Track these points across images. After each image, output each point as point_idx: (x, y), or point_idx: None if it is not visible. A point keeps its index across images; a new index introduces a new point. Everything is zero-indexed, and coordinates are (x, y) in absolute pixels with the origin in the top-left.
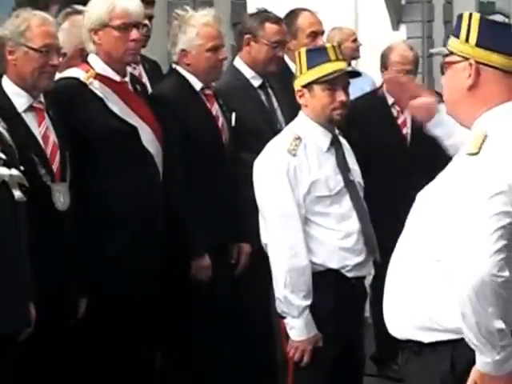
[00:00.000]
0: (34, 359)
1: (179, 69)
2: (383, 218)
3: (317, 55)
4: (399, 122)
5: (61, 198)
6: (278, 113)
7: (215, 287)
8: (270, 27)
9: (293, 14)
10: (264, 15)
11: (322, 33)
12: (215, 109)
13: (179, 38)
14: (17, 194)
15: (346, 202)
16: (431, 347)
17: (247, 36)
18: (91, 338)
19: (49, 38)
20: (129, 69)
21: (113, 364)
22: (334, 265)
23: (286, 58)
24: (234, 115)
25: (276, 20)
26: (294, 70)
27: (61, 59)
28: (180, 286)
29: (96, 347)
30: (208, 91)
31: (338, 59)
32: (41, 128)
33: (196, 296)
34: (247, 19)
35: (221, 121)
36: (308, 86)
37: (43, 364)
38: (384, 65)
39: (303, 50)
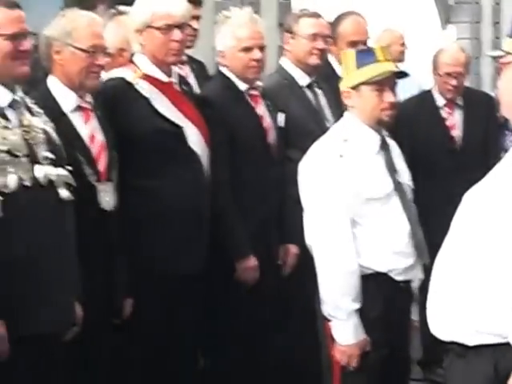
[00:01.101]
0: (80, 359)
1: (224, 70)
2: (432, 221)
3: (365, 56)
4: (449, 124)
5: (106, 197)
6: (327, 112)
7: (261, 289)
8: (304, 21)
9: (337, 19)
10: (301, 12)
11: (364, 42)
12: (261, 109)
13: (217, 40)
14: (64, 193)
15: (395, 204)
16: (475, 350)
17: (286, 34)
18: (135, 338)
19: (96, 39)
20: (176, 69)
21: (156, 364)
22: (382, 268)
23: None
24: (282, 115)
25: (311, 14)
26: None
27: (107, 59)
28: (225, 287)
29: (140, 348)
30: (253, 92)
31: (386, 60)
32: (87, 128)
33: (241, 297)
34: (287, 19)
35: (267, 121)
36: (356, 87)
37: (88, 364)
38: (435, 66)
39: (350, 51)
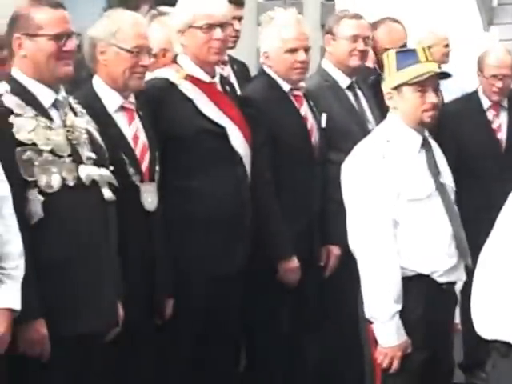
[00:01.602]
0: (121, 358)
1: (268, 70)
2: (474, 222)
3: (406, 57)
4: (494, 126)
5: (149, 197)
6: (368, 113)
7: (303, 290)
8: (345, 22)
9: (373, 25)
10: (342, 13)
11: (402, 46)
12: (304, 110)
13: (262, 40)
14: (106, 193)
15: (437, 205)
16: None
17: (327, 36)
18: (175, 338)
19: (140, 39)
20: (218, 70)
21: (197, 364)
22: (424, 269)
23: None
24: (324, 116)
25: (353, 16)
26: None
27: (151, 60)
28: (266, 287)
29: (181, 347)
30: (297, 92)
31: (427, 60)
32: (131, 128)
33: (283, 298)
34: (328, 20)
35: (310, 122)
36: (397, 87)
37: (129, 364)
38: (480, 68)
39: (392, 52)
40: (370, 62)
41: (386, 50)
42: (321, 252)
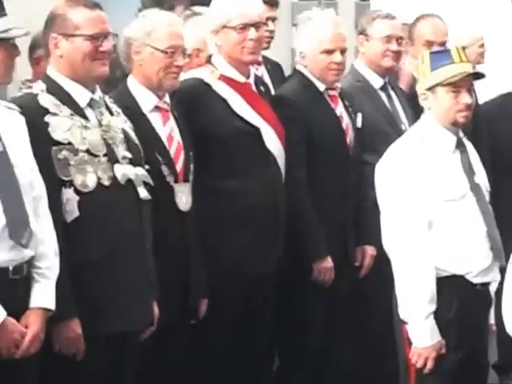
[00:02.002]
0: (156, 358)
1: (303, 70)
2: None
3: (440, 57)
4: None
5: (183, 198)
6: (401, 114)
7: (337, 289)
8: (378, 22)
9: (415, 20)
10: (375, 14)
11: (442, 43)
12: (340, 109)
13: (298, 40)
14: (142, 192)
15: (472, 205)
16: None
17: (360, 36)
18: (210, 338)
19: (175, 39)
20: (253, 70)
21: (231, 364)
22: (458, 270)
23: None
24: (360, 116)
25: (385, 16)
26: None
27: (186, 60)
28: (301, 286)
29: (215, 348)
30: (332, 92)
31: (461, 61)
32: (165, 128)
33: (317, 297)
34: (361, 20)
35: (345, 121)
36: (432, 88)
37: (164, 363)
38: None
39: (426, 53)
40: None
41: (429, 42)
42: (356, 252)
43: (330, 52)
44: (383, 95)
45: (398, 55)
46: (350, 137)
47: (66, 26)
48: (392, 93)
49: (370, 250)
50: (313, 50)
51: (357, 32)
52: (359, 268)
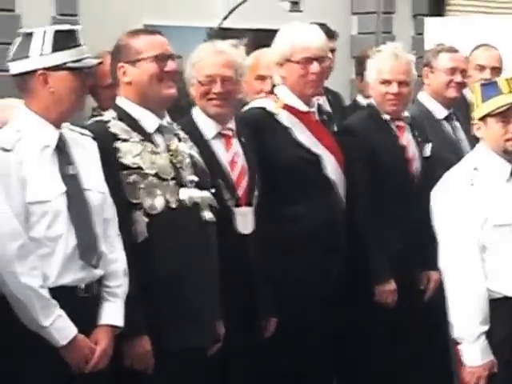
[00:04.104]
0: (222, 373)
1: (371, 101)
2: None
3: (490, 89)
4: None
5: (244, 221)
6: (465, 143)
7: (400, 312)
8: (443, 55)
9: (472, 50)
10: (440, 47)
11: (494, 69)
12: (406, 139)
13: (367, 73)
14: (208, 215)
15: None
16: None
17: (425, 68)
18: (275, 357)
19: (212, 69)
20: (315, 99)
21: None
22: (510, 292)
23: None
24: (429, 146)
25: (450, 49)
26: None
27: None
28: (362, 310)
29: (277, 365)
30: (399, 122)
31: (511, 91)
32: (229, 154)
33: (379, 320)
34: (426, 53)
35: (411, 150)
36: (483, 118)
37: (230, 379)
38: None
39: (477, 85)
40: None
41: (480, 66)
42: (421, 277)
43: (387, 82)
44: (447, 125)
45: (461, 86)
46: (415, 166)
47: (130, 54)
48: (456, 123)
49: (435, 276)
50: (373, 80)
51: (422, 64)
52: (424, 292)
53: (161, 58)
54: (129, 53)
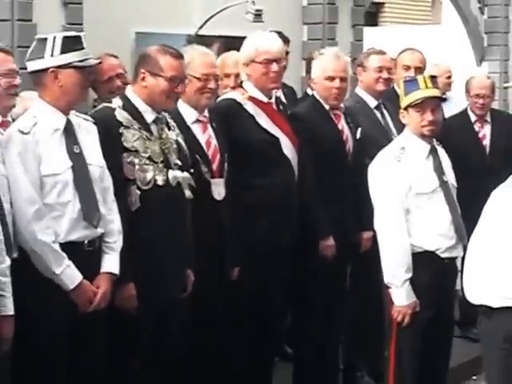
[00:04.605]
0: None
1: (314, 93)
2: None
3: (410, 85)
4: (480, 135)
5: (218, 190)
6: (392, 128)
7: (339, 263)
8: (373, 57)
9: (399, 53)
10: (370, 50)
11: (418, 68)
12: (341, 124)
13: (312, 70)
14: (187, 193)
15: (441, 198)
16: (499, 311)
17: (358, 68)
18: (237, 294)
19: (206, 68)
20: (273, 92)
21: (252, 316)
22: (430, 247)
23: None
24: (359, 130)
25: (378, 51)
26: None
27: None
28: (310, 260)
29: (244, 300)
30: (336, 111)
31: (427, 87)
32: (204, 136)
33: (322, 269)
34: (359, 56)
35: (346, 134)
36: (406, 108)
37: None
38: (467, 89)
39: (401, 81)
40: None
41: (406, 66)
42: (358, 235)
43: (331, 79)
44: (378, 113)
45: (388, 81)
46: (349, 146)
47: (155, 67)
48: (385, 111)
49: (366, 234)
50: (319, 77)
51: (355, 65)
52: (358, 247)
53: (175, 80)
54: (154, 66)
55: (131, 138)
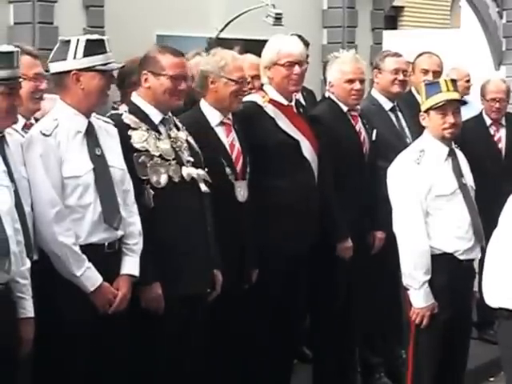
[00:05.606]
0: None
1: (332, 96)
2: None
3: (432, 88)
4: (495, 138)
5: (241, 192)
6: (406, 130)
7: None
8: (388, 59)
9: (416, 56)
10: (386, 52)
11: (436, 72)
12: (359, 126)
13: (328, 73)
14: (203, 187)
15: (460, 200)
16: None
17: (374, 70)
18: (261, 297)
19: (241, 71)
20: (294, 95)
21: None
22: (448, 249)
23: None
24: (375, 132)
25: (394, 54)
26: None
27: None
28: (326, 261)
29: (264, 305)
30: (353, 113)
31: (448, 90)
32: (228, 138)
33: (340, 269)
34: (375, 58)
35: (363, 135)
36: (427, 111)
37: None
38: (483, 93)
39: (423, 84)
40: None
41: (424, 70)
42: (370, 236)
43: (350, 81)
44: (392, 116)
45: (403, 84)
46: (366, 147)
47: (156, 67)
48: (400, 114)
49: (379, 234)
50: (338, 80)
51: (372, 67)
52: (371, 248)
53: (177, 78)
54: (154, 66)
55: (140, 138)
